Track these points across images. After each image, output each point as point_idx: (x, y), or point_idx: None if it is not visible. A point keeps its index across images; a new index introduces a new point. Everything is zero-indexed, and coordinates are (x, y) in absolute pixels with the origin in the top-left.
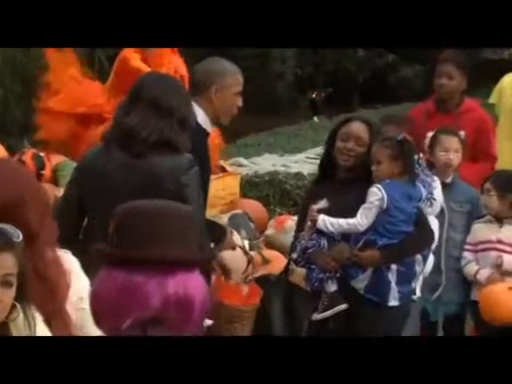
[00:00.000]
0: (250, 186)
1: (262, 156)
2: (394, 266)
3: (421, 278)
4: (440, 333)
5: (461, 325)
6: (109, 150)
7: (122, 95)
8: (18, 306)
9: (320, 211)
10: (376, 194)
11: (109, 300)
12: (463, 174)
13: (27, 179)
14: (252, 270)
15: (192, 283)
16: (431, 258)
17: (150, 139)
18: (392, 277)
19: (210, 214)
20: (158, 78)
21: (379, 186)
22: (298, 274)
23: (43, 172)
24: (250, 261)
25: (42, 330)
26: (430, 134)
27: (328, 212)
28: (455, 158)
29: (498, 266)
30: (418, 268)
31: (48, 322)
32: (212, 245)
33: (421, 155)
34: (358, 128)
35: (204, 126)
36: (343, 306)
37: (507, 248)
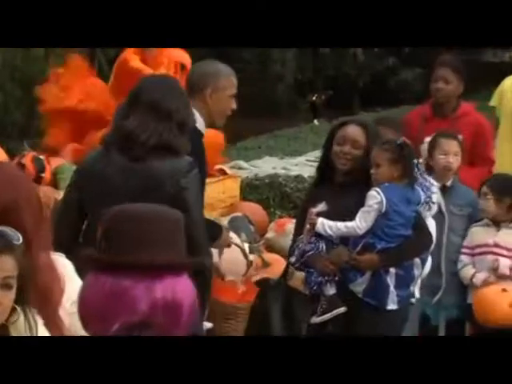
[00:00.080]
0: (250, 189)
1: (262, 159)
2: (392, 270)
3: (419, 281)
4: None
5: (462, 328)
6: (108, 153)
7: (123, 97)
8: (19, 308)
9: (319, 214)
10: (375, 198)
11: (96, 305)
12: (462, 177)
13: (22, 183)
14: (252, 273)
15: (180, 287)
16: (429, 261)
17: (150, 142)
18: (391, 280)
19: (211, 216)
20: (157, 81)
21: (378, 189)
22: (297, 277)
23: (43, 175)
24: (249, 265)
25: (43, 333)
26: (427, 139)
27: (327, 215)
28: (455, 161)
29: (495, 270)
30: (416, 271)
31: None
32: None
33: (420, 160)
34: (353, 131)
35: (199, 127)
36: (342, 309)
37: (504, 252)
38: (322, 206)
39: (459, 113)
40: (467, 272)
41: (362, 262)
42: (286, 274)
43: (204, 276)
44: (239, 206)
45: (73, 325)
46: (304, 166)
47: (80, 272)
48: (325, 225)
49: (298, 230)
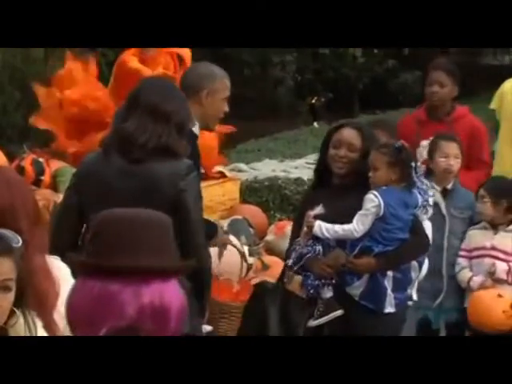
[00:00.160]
0: (250, 192)
1: (261, 161)
2: (389, 273)
3: (416, 284)
4: None
5: (463, 332)
6: (107, 155)
7: (122, 99)
8: (18, 311)
9: (316, 217)
10: (372, 201)
11: (84, 309)
12: (460, 180)
13: (18, 187)
14: (252, 276)
15: (168, 292)
16: (426, 264)
17: (149, 145)
18: (388, 283)
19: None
20: (156, 83)
21: (376, 192)
22: (296, 281)
23: (42, 178)
24: (249, 268)
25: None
26: (423, 142)
27: (324, 218)
28: (455, 163)
29: (492, 274)
30: (413, 274)
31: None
32: None
33: (418, 163)
34: (349, 134)
35: (194, 129)
36: (339, 312)
37: (501, 255)
38: (319, 209)
39: (454, 116)
40: (464, 275)
41: (359, 265)
42: (283, 277)
43: (203, 279)
44: (239, 208)
45: (67, 328)
46: (304, 168)
47: (76, 275)
48: (322, 227)
49: (295, 232)
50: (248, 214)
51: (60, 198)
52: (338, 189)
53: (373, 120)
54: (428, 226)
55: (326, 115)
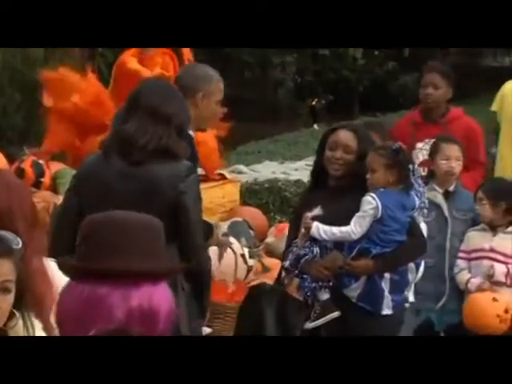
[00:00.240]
0: (250, 194)
1: (262, 163)
2: (387, 275)
3: (413, 285)
4: None
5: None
6: (107, 157)
7: (122, 100)
8: (17, 313)
9: (314, 219)
10: (370, 203)
11: (73, 312)
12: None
13: (16, 190)
14: (252, 278)
15: (157, 295)
16: (422, 265)
17: (149, 147)
18: (385, 285)
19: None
20: (156, 85)
21: (373, 194)
22: (294, 284)
23: (43, 180)
24: (249, 271)
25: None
26: (419, 145)
27: (321, 219)
28: (457, 165)
29: (490, 277)
30: (410, 276)
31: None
32: None
33: (416, 166)
34: (345, 136)
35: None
36: (335, 314)
37: (499, 257)
38: (317, 211)
39: (449, 117)
40: (462, 277)
41: (357, 267)
42: (279, 278)
43: (202, 280)
44: (239, 210)
45: None
46: (304, 170)
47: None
48: (320, 229)
49: (291, 234)
50: (248, 216)
51: (60, 199)
52: (334, 191)
53: (364, 122)
54: (424, 228)
55: (326, 117)
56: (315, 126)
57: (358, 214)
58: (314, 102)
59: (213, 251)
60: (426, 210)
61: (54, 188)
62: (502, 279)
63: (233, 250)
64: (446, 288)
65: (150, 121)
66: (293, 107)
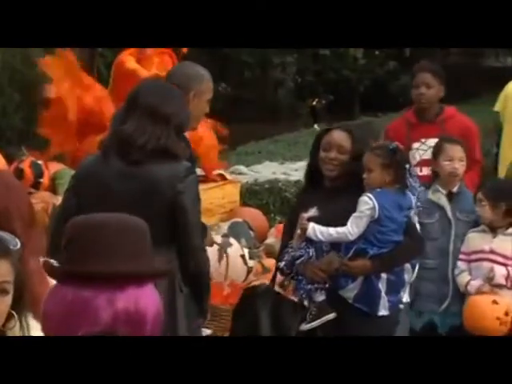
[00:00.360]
0: (250, 194)
1: (262, 164)
2: (384, 275)
3: (408, 286)
4: None
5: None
6: (106, 157)
7: (121, 99)
8: (16, 315)
9: (310, 219)
10: (367, 204)
11: (58, 316)
12: None
13: (13, 190)
14: (252, 279)
15: (144, 298)
16: (417, 266)
17: (147, 147)
18: (382, 286)
19: (210, 222)
20: (154, 85)
21: (370, 195)
22: (290, 286)
23: (41, 180)
24: (249, 272)
25: None
26: (415, 145)
27: (317, 220)
28: (460, 166)
29: (490, 280)
30: (406, 276)
31: None
32: None
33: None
34: (339, 137)
35: None
36: (331, 316)
37: (499, 259)
38: (313, 211)
39: (444, 117)
40: (462, 279)
41: (354, 267)
42: (274, 280)
43: (201, 282)
44: (239, 211)
45: None
46: (304, 171)
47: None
48: (316, 230)
49: (286, 235)
50: (248, 216)
51: (59, 200)
52: (329, 191)
53: (355, 123)
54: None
55: (327, 117)
56: (316, 126)
57: (354, 215)
58: (314, 102)
59: (212, 253)
60: (421, 209)
61: (53, 188)
62: (502, 282)
63: (220, 246)
64: (449, 290)
65: (148, 121)
66: (293, 107)
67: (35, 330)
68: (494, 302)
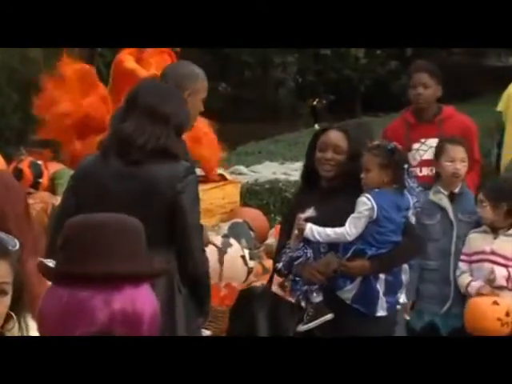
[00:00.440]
0: (251, 195)
1: (262, 164)
2: (382, 276)
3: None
4: None
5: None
6: (106, 157)
7: (120, 99)
8: (15, 316)
9: (307, 220)
10: (365, 204)
11: (55, 316)
12: None
13: (11, 191)
14: (252, 280)
15: (140, 298)
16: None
17: (147, 147)
18: (380, 287)
19: (210, 222)
20: (154, 84)
21: (369, 195)
22: (288, 287)
23: (41, 180)
24: (250, 272)
25: None
26: (415, 146)
27: (314, 221)
28: (462, 167)
29: (491, 281)
30: (404, 277)
31: None
32: None
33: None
34: (335, 137)
35: None
36: (328, 317)
37: (500, 260)
38: (310, 212)
39: (442, 116)
40: (463, 280)
41: (352, 268)
42: (271, 281)
43: (200, 283)
44: (239, 211)
45: None
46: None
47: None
48: (314, 231)
49: (283, 236)
50: (248, 217)
51: (58, 200)
52: (326, 192)
53: (351, 123)
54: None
55: (328, 117)
56: (316, 126)
57: (353, 215)
58: (315, 102)
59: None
60: (419, 209)
61: (52, 188)
62: (503, 283)
63: (217, 247)
64: (450, 291)
65: (148, 120)
66: (294, 107)
67: (34, 330)
68: (495, 302)
